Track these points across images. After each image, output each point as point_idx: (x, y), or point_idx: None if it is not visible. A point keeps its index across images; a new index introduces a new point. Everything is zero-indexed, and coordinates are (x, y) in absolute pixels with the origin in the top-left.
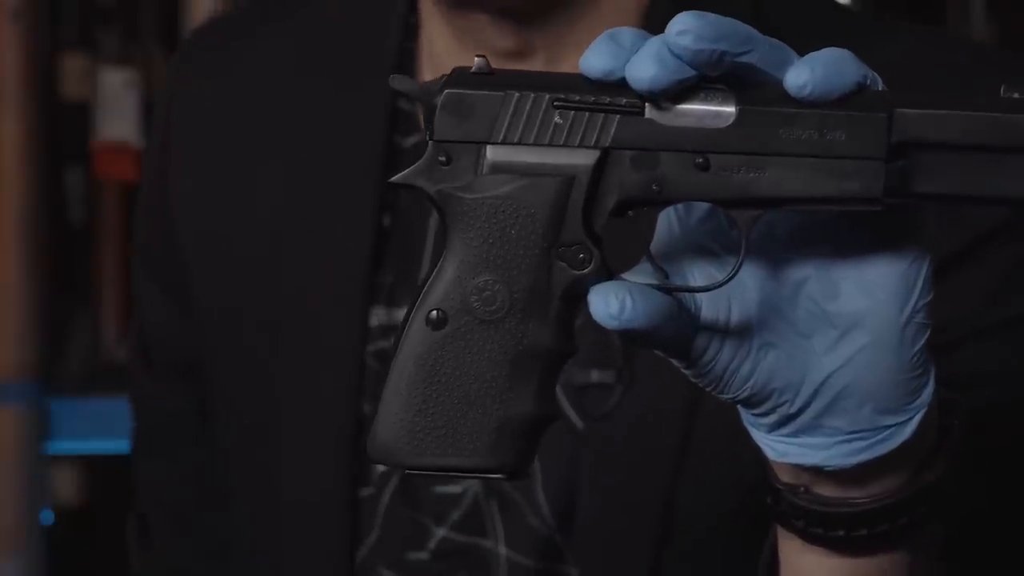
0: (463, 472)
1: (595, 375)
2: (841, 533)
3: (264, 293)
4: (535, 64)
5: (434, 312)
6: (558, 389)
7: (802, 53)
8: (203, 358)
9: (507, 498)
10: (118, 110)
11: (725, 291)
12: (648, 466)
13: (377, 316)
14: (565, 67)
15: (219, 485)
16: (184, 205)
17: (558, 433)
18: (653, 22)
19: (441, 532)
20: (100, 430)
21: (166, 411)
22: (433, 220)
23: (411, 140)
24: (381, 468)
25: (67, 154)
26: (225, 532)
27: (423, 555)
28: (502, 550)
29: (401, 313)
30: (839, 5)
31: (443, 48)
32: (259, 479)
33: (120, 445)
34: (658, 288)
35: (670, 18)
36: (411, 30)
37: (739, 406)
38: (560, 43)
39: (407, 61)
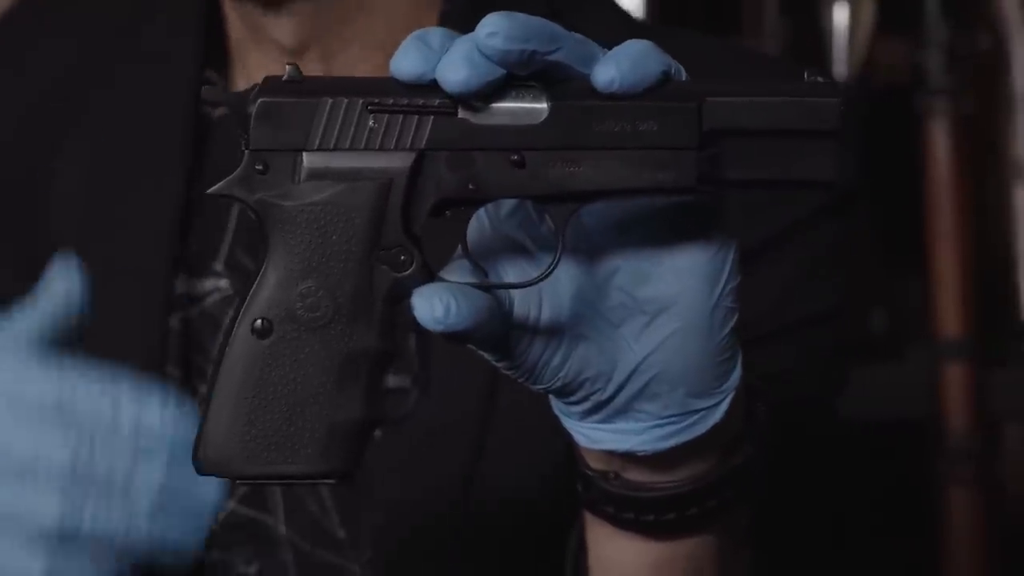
0: (294, 479)
1: (391, 379)
2: (651, 518)
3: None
4: (310, 60)
5: (259, 321)
6: None
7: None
8: None
9: None
10: None
11: (537, 287)
12: (442, 469)
13: (181, 284)
14: (341, 63)
15: None
16: None
17: None
18: (451, 21)
19: (230, 505)
20: None
21: None
22: None
23: (219, 112)
24: None
25: None
26: None
27: (213, 526)
28: (282, 529)
29: (203, 284)
30: (625, 12)
31: (237, 40)
32: None
33: None
34: (477, 287)
35: (468, 16)
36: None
37: (551, 395)
38: (336, 39)
39: (217, 42)
